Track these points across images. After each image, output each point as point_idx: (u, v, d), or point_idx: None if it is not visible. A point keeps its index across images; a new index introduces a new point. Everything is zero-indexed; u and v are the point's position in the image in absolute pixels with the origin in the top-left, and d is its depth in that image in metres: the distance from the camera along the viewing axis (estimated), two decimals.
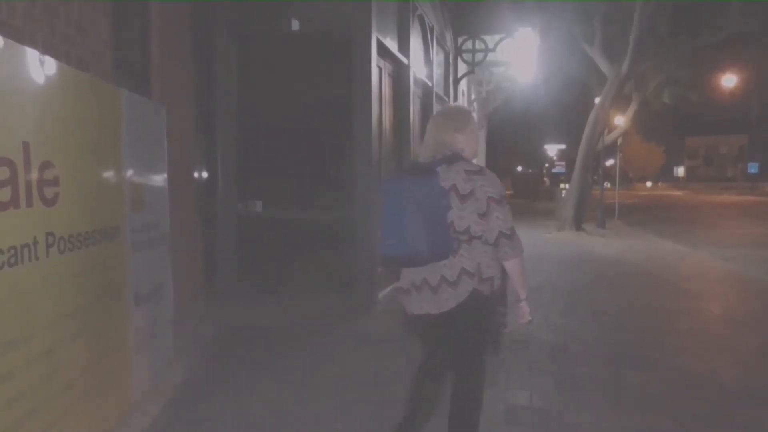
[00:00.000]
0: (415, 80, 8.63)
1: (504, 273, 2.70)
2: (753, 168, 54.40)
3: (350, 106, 6.39)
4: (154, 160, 3.96)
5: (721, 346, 5.20)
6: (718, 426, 3.57)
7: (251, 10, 6.63)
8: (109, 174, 3.23)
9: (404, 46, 8.00)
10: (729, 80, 18.82)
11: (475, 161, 2.80)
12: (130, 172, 3.48)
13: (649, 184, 72.18)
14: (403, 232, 2.54)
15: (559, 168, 38.11)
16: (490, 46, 12.24)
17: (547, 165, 51.89)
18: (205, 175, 6.42)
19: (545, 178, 46.12)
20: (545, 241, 13.66)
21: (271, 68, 6.84)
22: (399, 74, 7.92)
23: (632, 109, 19.86)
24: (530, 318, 2.74)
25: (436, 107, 10.16)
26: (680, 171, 79.94)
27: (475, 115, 10.88)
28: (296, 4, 6.52)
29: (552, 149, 40.34)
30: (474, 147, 2.76)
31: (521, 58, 13.53)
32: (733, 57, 17.07)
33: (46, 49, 3.18)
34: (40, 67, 2.52)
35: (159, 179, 4.04)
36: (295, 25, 6.51)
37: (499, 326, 2.80)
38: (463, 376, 2.76)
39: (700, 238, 14.54)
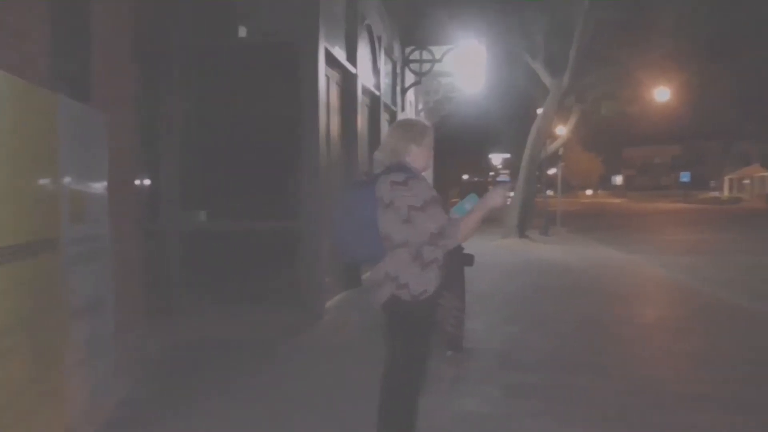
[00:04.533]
0: (363, 89, 8.66)
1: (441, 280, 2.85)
2: (685, 177, 57.25)
3: (297, 115, 6.35)
4: (93, 169, 3.82)
5: (661, 352, 5.40)
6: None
7: (198, 18, 6.51)
8: (44, 184, 3.09)
9: (352, 56, 8.02)
10: (662, 94, 19.66)
11: (425, 174, 2.89)
12: (67, 182, 3.34)
13: (589, 192, 74.65)
14: (341, 237, 2.89)
15: (504, 177, 38.97)
16: (437, 56, 12.42)
17: (492, 173, 52.85)
18: (148, 185, 6.23)
19: (491, 187, 47.00)
20: (491, 249, 13.90)
21: (217, 76, 6.73)
22: (347, 83, 7.94)
23: (573, 120, 20.54)
24: (508, 194, 2.80)
25: (383, 116, 10.22)
26: (618, 180, 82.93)
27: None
28: (244, 13, 6.44)
29: (497, 158, 41.22)
30: (426, 160, 2.94)
31: (468, 69, 13.78)
32: (666, 73, 17.87)
33: None
34: None
35: (99, 189, 3.89)
36: (242, 33, 6.43)
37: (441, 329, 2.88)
38: (391, 377, 2.89)
39: (637, 244, 15.13)
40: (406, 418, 2.89)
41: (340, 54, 7.51)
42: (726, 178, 58.48)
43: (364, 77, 8.76)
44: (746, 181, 56.26)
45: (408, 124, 3.01)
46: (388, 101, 11.11)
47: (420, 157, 2.89)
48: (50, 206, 3.16)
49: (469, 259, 4.72)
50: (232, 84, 6.66)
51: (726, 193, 56.25)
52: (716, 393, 4.26)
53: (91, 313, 3.68)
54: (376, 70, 9.90)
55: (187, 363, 4.96)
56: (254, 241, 6.56)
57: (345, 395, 4.14)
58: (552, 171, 23.73)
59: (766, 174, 52.41)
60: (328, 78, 6.98)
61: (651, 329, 6.31)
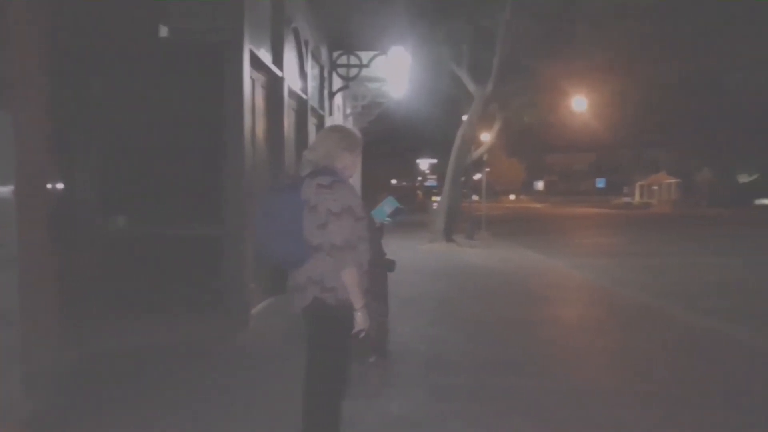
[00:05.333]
0: (290, 93, 8.60)
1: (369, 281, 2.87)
2: (600, 183, 60.32)
3: (222, 118, 6.21)
4: None
5: (581, 350, 5.65)
6: (596, 426, 3.81)
7: (117, 17, 6.25)
8: None
9: (278, 59, 7.94)
10: (579, 103, 20.58)
11: (351, 180, 2.97)
12: None
13: (512, 197, 77.13)
14: (263, 239, 2.85)
15: (432, 181, 39.71)
16: (365, 61, 12.48)
17: (420, 178, 53.63)
18: (64, 190, 5.92)
19: (418, 191, 47.73)
20: (418, 253, 14.11)
21: (138, 78, 6.47)
22: (273, 86, 7.85)
23: (497, 126, 21.16)
24: (363, 328, 2.79)
25: (311, 120, 10.17)
26: (540, 185, 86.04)
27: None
28: (166, 13, 6.25)
29: (424, 163, 41.90)
30: (354, 168, 3.03)
31: (395, 75, 13.92)
32: (584, 83, 18.76)
33: None
34: None
35: (4, 194, 3.67)
36: (164, 33, 6.24)
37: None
38: (313, 383, 2.87)
39: (556, 247, 15.80)
40: (330, 423, 2.89)
41: (266, 57, 7.42)
42: (637, 185, 61.85)
43: (291, 81, 8.70)
44: (655, 187, 59.77)
45: (345, 131, 3.06)
46: (316, 105, 11.07)
47: (350, 166, 2.98)
48: None
49: (390, 265, 4.78)
50: (154, 86, 6.43)
51: (637, 198, 59.51)
52: (635, 389, 4.48)
53: None
54: (303, 74, 9.85)
55: (103, 375, 4.74)
56: (177, 247, 6.35)
57: (270, 404, 4.08)
58: (477, 176, 24.35)
59: (672, 181, 55.86)
60: (253, 81, 6.89)
61: (571, 328, 6.59)
